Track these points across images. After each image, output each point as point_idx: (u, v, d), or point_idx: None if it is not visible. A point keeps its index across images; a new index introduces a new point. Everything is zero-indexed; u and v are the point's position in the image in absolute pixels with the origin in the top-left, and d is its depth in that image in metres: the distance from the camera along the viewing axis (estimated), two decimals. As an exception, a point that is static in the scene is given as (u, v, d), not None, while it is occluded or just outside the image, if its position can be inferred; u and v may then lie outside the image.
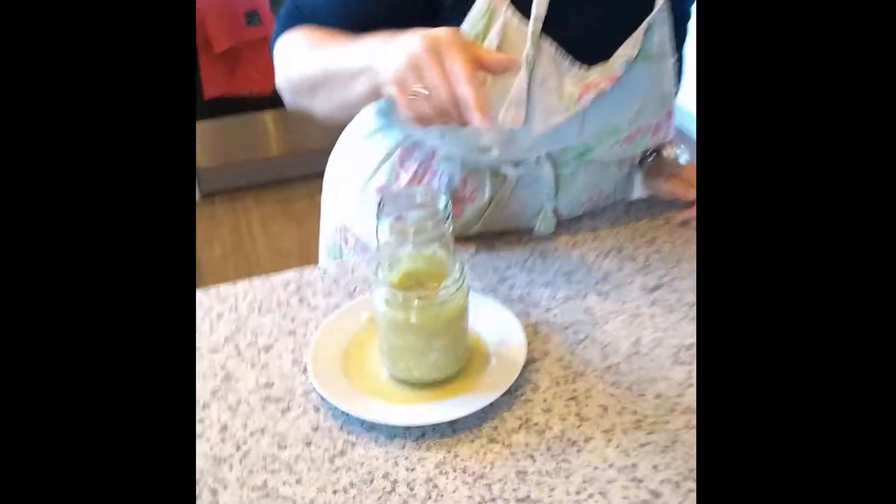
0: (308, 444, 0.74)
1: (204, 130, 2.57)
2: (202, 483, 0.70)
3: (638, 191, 1.10)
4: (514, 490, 0.69)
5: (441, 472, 0.70)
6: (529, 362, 0.80)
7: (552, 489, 0.68)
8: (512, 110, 0.82)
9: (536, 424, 0.74)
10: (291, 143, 2.70)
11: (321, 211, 1.14)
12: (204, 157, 2.61)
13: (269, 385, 0.80)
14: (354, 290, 0.91)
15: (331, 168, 1.11)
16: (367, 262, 0.96)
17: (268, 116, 2.63)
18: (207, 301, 0.91)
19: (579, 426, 0.74)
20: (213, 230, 2.56)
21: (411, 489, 0.69)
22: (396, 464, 0.72)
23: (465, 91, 0.65)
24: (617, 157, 0.97)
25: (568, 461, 0.71)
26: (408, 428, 0.74)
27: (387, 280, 0.74)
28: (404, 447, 0.73)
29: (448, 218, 0.72)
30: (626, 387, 0.78)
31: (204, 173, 2.66)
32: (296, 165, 2.73)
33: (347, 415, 0.75)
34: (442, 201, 0.73)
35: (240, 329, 0.87)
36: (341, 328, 0.84)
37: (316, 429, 0.75)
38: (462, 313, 0.76)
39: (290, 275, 0.94)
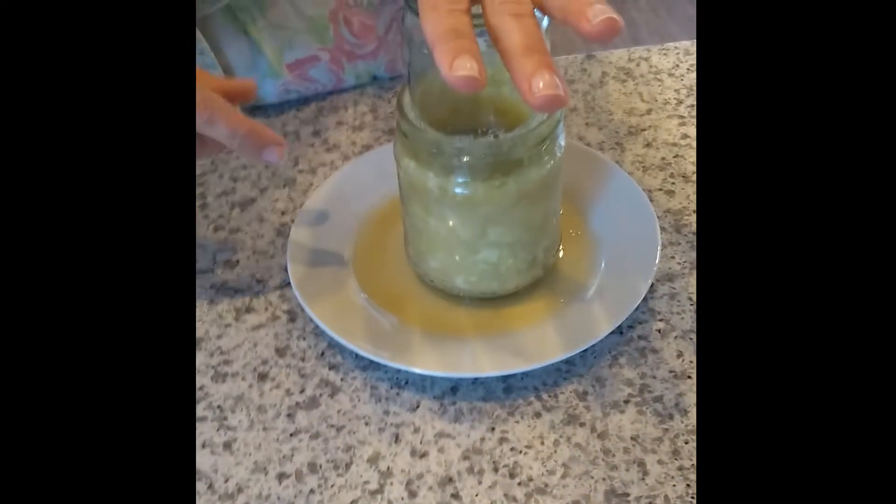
0: (263, 377, 0.44)
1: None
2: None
3: None
4: (600, 532, 0.37)
5: (471, 469, 0.39)
6: (662, 280, 0.46)
7: (672, 543, 0.36)
8: None
9: (659, 402, 0.41)
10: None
11: None
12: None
13: (229, 265, 0.50)
14: (397, 126, 0.58)
15: None
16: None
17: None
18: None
19: (739, 415, 0.40)
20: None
21: (412, 494, 0.38)
22: (397, 439, 0.41)
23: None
24: None
25: (710, 485, 0.38)
26: (430, 378, 0.43)
27: (417, 110, 0.41)
28: (417, 409, 0.42)
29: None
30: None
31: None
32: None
33: (335, 339, 0.44)
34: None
35: (216, 167, 0.56)
36: (361, 186, 0.52)
37: (282, 351, 0.45)
38: (550, 185, 0.42)
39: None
